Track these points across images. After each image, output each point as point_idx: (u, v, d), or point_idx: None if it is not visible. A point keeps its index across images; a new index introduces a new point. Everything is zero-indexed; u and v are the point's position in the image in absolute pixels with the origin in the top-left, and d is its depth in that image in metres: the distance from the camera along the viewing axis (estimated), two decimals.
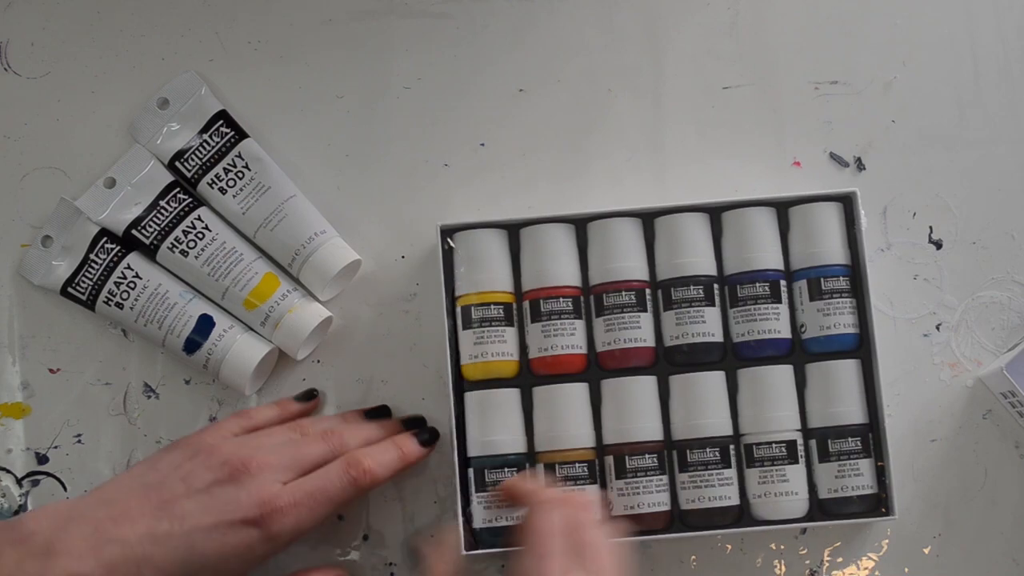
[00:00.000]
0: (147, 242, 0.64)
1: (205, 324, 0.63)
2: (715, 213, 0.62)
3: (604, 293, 0.61)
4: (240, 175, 0.65)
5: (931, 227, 0.66)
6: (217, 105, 0.66)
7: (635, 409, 0.60)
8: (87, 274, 0.64)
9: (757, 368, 0.60)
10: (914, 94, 0.67)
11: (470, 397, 0.61)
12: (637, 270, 0.61)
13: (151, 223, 0.64)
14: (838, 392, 0.60)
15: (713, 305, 0.61)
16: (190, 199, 0.65)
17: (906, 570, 0.63)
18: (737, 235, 0.62)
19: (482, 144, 0.67)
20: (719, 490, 0.59)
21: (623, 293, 0.61)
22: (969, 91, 0.67)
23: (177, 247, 0.64)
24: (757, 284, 0.60)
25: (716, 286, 0.61)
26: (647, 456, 0.59)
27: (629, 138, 0.67)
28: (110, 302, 0.63)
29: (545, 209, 0.64)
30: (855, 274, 0.61)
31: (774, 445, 0.59)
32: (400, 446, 0.59)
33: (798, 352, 0.61)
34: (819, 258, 0.61)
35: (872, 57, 0.67)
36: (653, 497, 0.59)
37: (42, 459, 0.65)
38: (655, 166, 0.66)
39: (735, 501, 0.59)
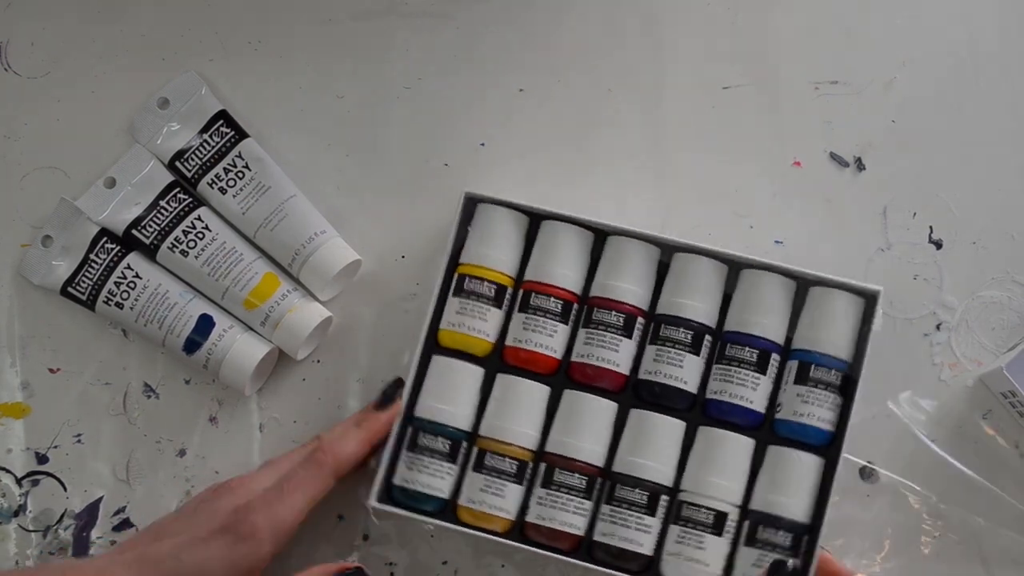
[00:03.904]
0: (147, 242, 0.64)
1: (205, 324, 0.63)
2: (735, 268, 0.61)
3: (596, 308, 0.60)
4: (240, 175, 0.65)
5: (931, 227, 0.66)
6: (217, 105, 0.66)
7: (584, 427, 0.59)
8: (87, 274, 0.64)
9: (718, 431, 0.58)
10: (914, 94, 0.67)
11: (436, 361, 0.60)
12: (636, 295, 0.60)
13: (151, 223, 0.64)
14: (789, 484, 0.57)
15: (697, 354, 0.59)
16: (190, 199, 0.65)
17: (906, 570, 0.62)
18: (746, 294, 0.60)
19: (482, 144, 0.67)
20: (634, 534, 0.57)
21: (613, 313, 0.59)
22: (969, 91, 0.67)
23: (177, 247, 0.64)
24: (747, 348, 0.59)
25: (708, 337, 0.60)
26: (576, 475, 0.58)
27: (629, 138, 0.67)
28: (110, 302, 0.63)
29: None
30: (850, 374, 0.59)
31: (703, 510, 0.57)
32: (358, 417, 0.60)
33: (765, 431, 0.59)
34: (818, 344, 0.59)
35: (872, 57, 0.67)
36: (569, 517, 0.58)
37: (42, 459, 0.65)
38: (655, 166, 0.66)
39: (647, 551, 0.57)
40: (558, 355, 0.60)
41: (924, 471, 0.63)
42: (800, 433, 0.58)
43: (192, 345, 0.63)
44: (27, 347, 0.66)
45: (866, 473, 0.63)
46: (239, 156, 0.65)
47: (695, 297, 0.60)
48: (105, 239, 0.64)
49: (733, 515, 0.57)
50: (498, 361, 0.61)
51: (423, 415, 0.59)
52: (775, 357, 0.59)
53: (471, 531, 0.58)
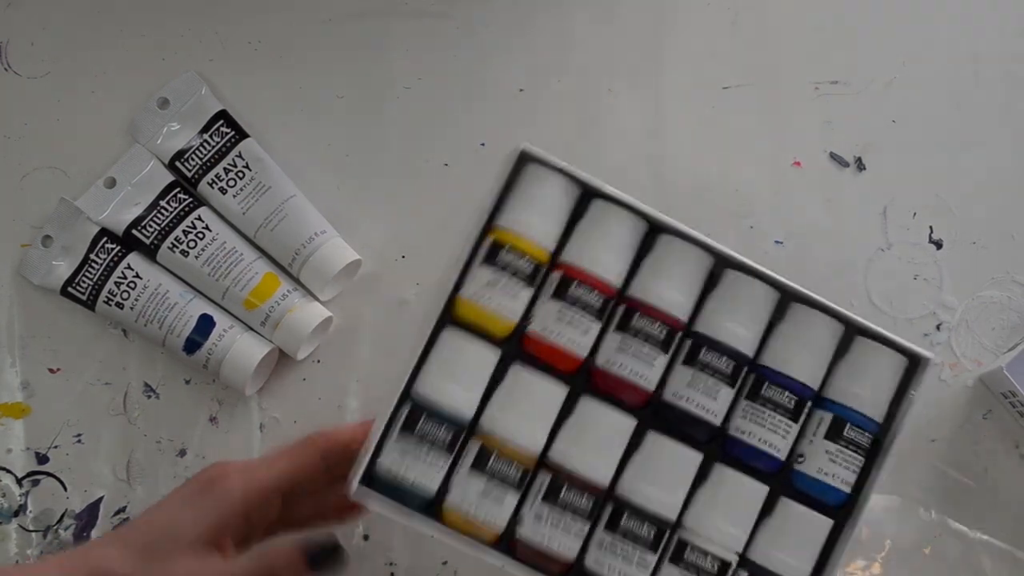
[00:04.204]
0: (147, 242, 0.64)
1: (205, 324, 0.63)
2: (787, 297, 0.54)
3: (637, 312, 0.53)
4: (240, 175, 0.65)
5: (931, 227, 0.66)
6: (217, 105, 0.66)
7: (598, 443, 0.52)
8: (87, 274, 0.64)
9: (737, 474, 0.53)
10: (914, 94, 0.67)
11: (450, 335, 0.52)
12: (682, 307, 0.53)
13: (151, 223, 0.64)
14: (799, 543, 0.52)
15: (733, 387, 0.53)
16: (190, 199, 0.65)
17: (906, 570, 0.62)
18: (795, 331, 0.54)
19: (482, 144, 0.67)
20: (635, 571, 0.52)
21: (656, 323, 0.52)
22: (969, 91, 0.67)
23: (177, 247, 0.64)
24: (786, 393, 0.53)
25: (746, 369, 0.54)
26: (585, 496, 0.52)
27: (629, 138, 0.67)
28: (110, 302, 0.63)
29: None
30: (881, 439, 0.54)
31: (709, 557, 0.52)
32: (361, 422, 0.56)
33: (782, 478, 0.53)
34: (857, 401, 0.53)
35: (872, 57, 0.67)
36: (568, 540, 0.52)
37: (42, 459, 0.65)
38: (654, 166, 0.66)
39: None
40: (584, 354, 0.53)
41: (925, 472, 0.63)
42: (820, 491, 0.53)
43: (192, 345, 0.63)
44: (27, 347, 0.66)
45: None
46: (239, 156, 0.65)
47: (744, 323, 0.53)
48: (105, 239, 0.64)
49: (735, 565, 0.53)
50: (515, 345, 0.53)
51: (430, 395, 0.52)
52: (808, 404, 0.54)
53: (458, 538, 0.52)
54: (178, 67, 0.68)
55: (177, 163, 0.66)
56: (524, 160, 0.53)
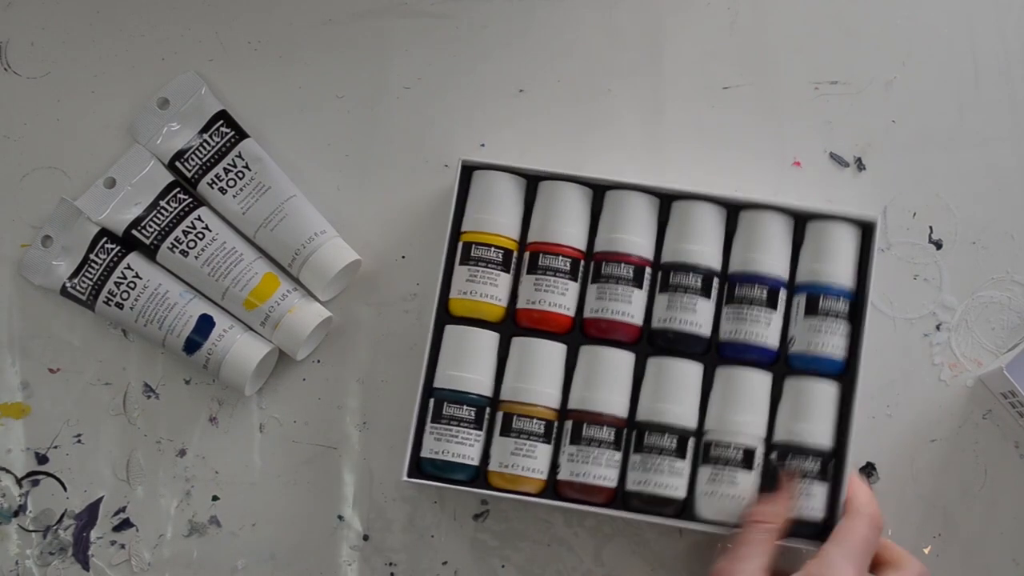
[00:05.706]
0: (147, 242, 0.64)
1: (205, 324, 0.63)
2: (733, 210, 0.62)
3: (604, 262, 0.61)
4: (240, 175, 0.65)
5: (931, 227, 0.66)
6: (217, 105, 0.66)
7: (606, 381, 0.60)
8: (87, 274, 0.64)
9: (736, 369, 0.60)
10: (914, 94, 0.67)
11: (450, 330, 0.61)
12: (641, 246, 0.61)
13: (151, 223, 0.64)
14: (810, 411, 0.59)
15: (708, 298, 0.60)
16: (190, 199, 0.65)
17: None
18: (748, 235, 0.61)
19: (482, 144, 0.67)
20: (667, 479, 0.59)
21: (622, 265, 0.61)
22: (969, 91, 0.67)
23: (177, 247, 0.64)
24: (756, 287, 0.60)
25: (716, 280, 0.61)
26: (605, 428, 0.59)
27: (629, 138, 0.67)
28: (110, 302, 0.63)
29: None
30: (857, 301, 0.60)
31: (732, 448, 0.59)
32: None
33: (781, 365, 0.61)
34: (823, 275, 0.60)
35: (872, 57, 0.67)
36: (601, 470, 0.59)
37: (42, 459, 0.65)
38: (655, 166, 0.66)
39: (681, 494, 0.59)
40: (571, 312, 0.61)
41: (925, 471, 0.63)
42: (815, 364, 0.60)
43: (192, 345, 0.63)
44: (27, 347, 0.66)
45: (866, 473, 0.63)
46: (239, 156, 0.65)
47: (700, 242, 0.61)
48: (105, 239, 0.64)
49: (759, 449, 0.59)
50: (511, 325, 0.62)
51: (444, 385, 0.60)
52: (783, 293, 0.61)
53: (506, 494, 0.59)
54: (178, 67, 0.68)
55: (177, 163, 0.66)
56: (468, 170, 0.63)
